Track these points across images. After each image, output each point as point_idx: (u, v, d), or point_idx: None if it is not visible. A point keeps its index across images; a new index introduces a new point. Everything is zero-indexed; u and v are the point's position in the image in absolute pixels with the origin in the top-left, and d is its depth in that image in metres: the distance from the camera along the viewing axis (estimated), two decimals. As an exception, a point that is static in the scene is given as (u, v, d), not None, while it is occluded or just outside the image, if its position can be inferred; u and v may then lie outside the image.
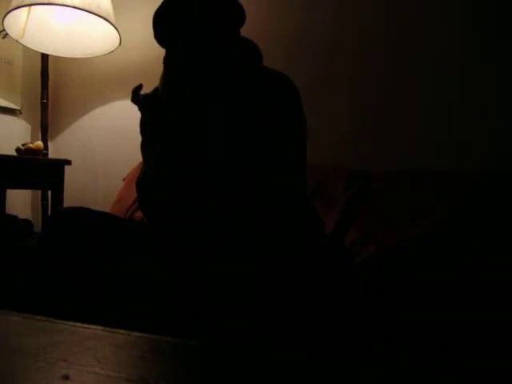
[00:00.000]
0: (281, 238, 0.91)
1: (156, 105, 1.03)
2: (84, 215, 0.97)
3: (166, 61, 1.08)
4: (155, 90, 1.10)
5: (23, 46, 2.00)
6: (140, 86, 1.02)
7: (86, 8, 1.76)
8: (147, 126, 1.08)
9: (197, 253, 0.91)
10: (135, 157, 2.06)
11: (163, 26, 1.04)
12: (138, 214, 1.79)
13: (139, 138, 1.18)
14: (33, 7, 1.90)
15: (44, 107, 2.12)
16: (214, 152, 0.97)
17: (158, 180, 1.03)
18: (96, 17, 1.81)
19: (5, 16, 1.79)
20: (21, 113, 2.25)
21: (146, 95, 1.02)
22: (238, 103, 0.99)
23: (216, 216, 0.97)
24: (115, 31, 1.88)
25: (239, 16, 1.06)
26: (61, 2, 1.74)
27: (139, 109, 1.04)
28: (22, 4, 1.74)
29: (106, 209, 1.85)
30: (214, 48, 1.03)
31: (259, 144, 0.97)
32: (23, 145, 1.92)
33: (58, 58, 2.22)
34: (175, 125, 1.02)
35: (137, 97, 1.02)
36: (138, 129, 2.35)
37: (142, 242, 1.00)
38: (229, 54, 1.05)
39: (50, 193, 2.04)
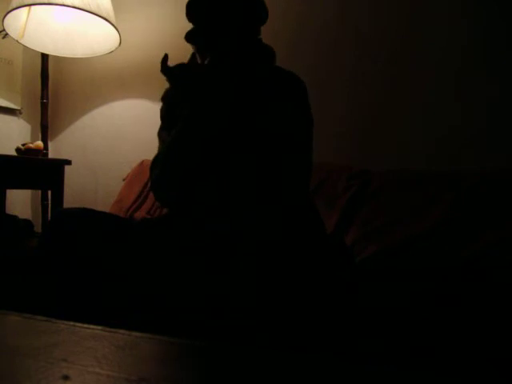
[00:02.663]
0: (283, 232, 0.92)
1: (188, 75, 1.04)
2: (84, 215, 0.97)
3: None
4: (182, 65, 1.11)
5: (23, 45, 2.01)
6: (166, 56, 1.03)
7: (86, 8, 1.76)
8: (175, 98, 1.07)
9: (197, 252, 0.91)
10: (135, 157, 2.07)
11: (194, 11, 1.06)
12: (138, 214, 1.79)
13: (139, 139, 1.19)
14: (33, 7, 1.90)
15: (44, 107, 2.12)
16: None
17: (180, 148, 1.02)
18: (96, 17, 1.81)
19: (5, 16, 1.79)
20: (21, 113, 2.25)
21: (177, 66, 1.04)
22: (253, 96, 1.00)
23: (227, 198, 0.97)
24: (115, 31, 1.88)
25: (262, 14, 1.09)
26: (61, 2, 1.74)
27: (168, 79, 1.04)
28: (22, 4, 1.74)
29: (106, 209, 1.85)
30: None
31: (259, 144, 0.97)
32: (23, 145, 1.92)
33: (58, 58, 2.22)
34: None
35: (165, 67, 1.03)
36: (137, 129, 2.35)
37: (142, 241, 1.00)
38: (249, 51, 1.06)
39: (49, 193, 2.04)
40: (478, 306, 0.95)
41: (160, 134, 1.13)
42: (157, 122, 1.15)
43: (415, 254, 1.32)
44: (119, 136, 2.23)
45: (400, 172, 1.57)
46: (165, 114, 1.12)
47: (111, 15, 1.87)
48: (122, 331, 0.53)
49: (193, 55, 1.10)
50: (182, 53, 1.11)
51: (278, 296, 0.82)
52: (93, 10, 1.77)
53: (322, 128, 1.80)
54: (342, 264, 1.05)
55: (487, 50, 1.60)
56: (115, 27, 1.87)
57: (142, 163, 1.97)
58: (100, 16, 1.80)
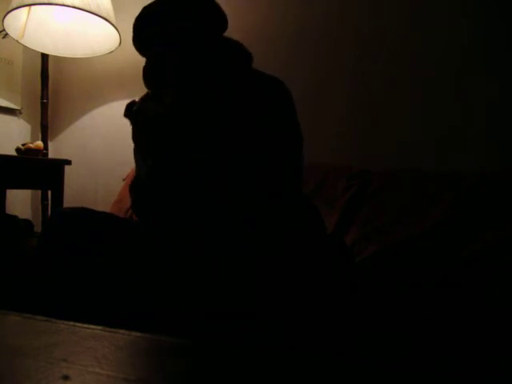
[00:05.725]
0: (280, 233, 0.91)
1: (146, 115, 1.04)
2: (84, 215, 0.97)
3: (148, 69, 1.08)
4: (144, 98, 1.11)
5: (23, 45, 2.01)
6: (133, 102, 1.03)
7: (86, 8, 1.76)
8: (139, 136, 1.07)
9: (196, 252, 0.91)
10: (135, 157, 2.07)
11: (148, 26, 1.05)
12: (138, 214, 1.79)
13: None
14: (33, 7, 1.90)
15: (44, 107, 2.12)
16: (211, 154, 0.97)
17: (151, 186, 1.02)
18: (96, 17, 1.81)
19: (5, 16, 1.79)
20: (21, 113, 2.25)
21: (137, 108, 1.04)
22: (234, 107, 0.99)
23: (213, 215, 0.97)
24: (115, 31, 1.88)
25: (223, 20, 1.09)
26: (61, 2, 1.74)
27: (131, 122, 1.05)
28: (22, 4, 1.74)
29: (106, 209, 1.85)
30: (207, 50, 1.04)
31: (256, 145, 0.97)
32: (23, 145, 1.92)
33: (58, 58, 2.22)
34: (170, 130, 1.01)
35: (129, 111, 1.03)
36: (137, 129, 2.31)
37: (143, 242, 1.00)
38: (222, 57, 1.06)
39: (49, 193, 2.04)
40: (478, 306, 0.95)
41: (134, 155, 1.13)
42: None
43: (415, 254, 1.32)
44: (119, 136, 2.22)
45: (400, 172, 1.57)
46: (134, 137, 1.11)
47: (111, 15, 1.86)
48: (122, 331, 0.52)
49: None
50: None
51: (278, 296, 0.82)
52: (93, 10, 1.77)
53: (321, 128, 1.81)
54: (342, 264, 1.05)
55: (487, 50, 1.60)
56: (115, 27, 1.87)
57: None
58: (100, 16, 1.80)
